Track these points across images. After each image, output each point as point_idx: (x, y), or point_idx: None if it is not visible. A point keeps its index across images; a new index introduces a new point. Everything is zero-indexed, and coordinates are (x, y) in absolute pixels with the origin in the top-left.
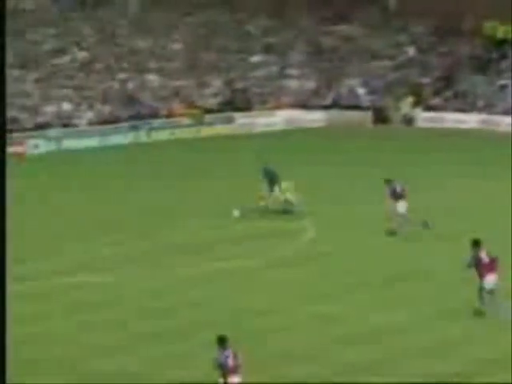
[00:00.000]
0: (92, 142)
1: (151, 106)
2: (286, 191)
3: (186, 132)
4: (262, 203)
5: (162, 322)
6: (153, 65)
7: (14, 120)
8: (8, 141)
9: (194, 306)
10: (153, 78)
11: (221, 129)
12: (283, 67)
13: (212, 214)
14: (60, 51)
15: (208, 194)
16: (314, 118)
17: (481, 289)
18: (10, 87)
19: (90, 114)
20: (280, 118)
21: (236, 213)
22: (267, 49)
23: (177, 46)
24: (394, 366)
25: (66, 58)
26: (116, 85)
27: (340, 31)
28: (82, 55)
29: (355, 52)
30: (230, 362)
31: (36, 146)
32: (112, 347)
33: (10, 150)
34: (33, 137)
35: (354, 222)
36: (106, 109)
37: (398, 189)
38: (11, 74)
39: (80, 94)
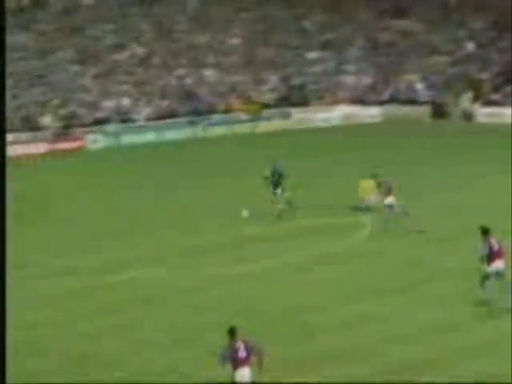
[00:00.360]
0: (150, 137)
1: (208, 102)
2: (364, 190)
3: (243, 127)
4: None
5: (214, 318)
6: (210, 60)
7: (73, 115)
8: (67, 136)
9: (245, 302)
10: (210, 74)
11: (278, 124)
12: (340, 63)
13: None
14: (119, 47)
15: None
16: (371, 113)
17: (485, 276)
18: (70, 83)
19: (148, 109)
20: (337, 114)
21: (245, 213)
22: (324, 44)
23: (234, 41)
24: (445, 366)
25: (124, 54)
26: (174, 80)
27: (398, 26)
28: (141, 51)
29: (414, 47)
30: (241, 353)
31: (94, 141)
32: (164, 343)
33: (68, 145)
34: (91, 132)
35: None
36: (164, 104)
37: (387, 185)
38: (71, 69)
39: (138, 89)
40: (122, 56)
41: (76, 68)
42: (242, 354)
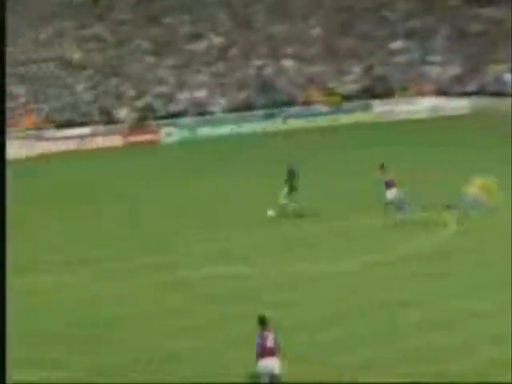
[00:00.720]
0: (226, 129)
1: (287, 93)
2: (476, 187)
3: (323, 120)
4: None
5: (303, 316)
6: (290, 50)
7: (149, 108)
8: (142, 129)
9: (337, 298)
10: (289, 64)
11: (359, 116)
12: (425, 53)
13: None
14: (196, 37)
15: (351, 187)
16: (458, 105)
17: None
18: (145, 74)
19: (224, 101)
20: (422, 106)
21: (271, 212)
22: (408, 34)
23: (315, 32)
24: None
25: (201, 44)
26: (252, 71)
27: (487, 14)
28: (218, 41)
29: (503, 36)
30: (269, 343)
31: (169, 134)
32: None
33: (143, 137)
34: (167, 125)
35: (498, 219)
36: (241, 96)
37: (390, 177)
38: (146, 60)
39: (215, 80)
40: (198, 46)
41: (151, 59)
42: (270, 343)
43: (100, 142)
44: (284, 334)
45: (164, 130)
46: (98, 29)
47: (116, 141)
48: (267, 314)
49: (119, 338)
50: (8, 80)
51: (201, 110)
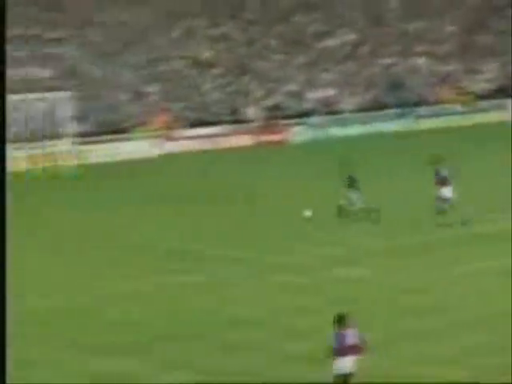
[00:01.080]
0: (356, 129)
1: (419, 92)
2: None
3: (456, 119)
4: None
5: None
6: (422, 48)
7: (278, 107)
8: (271, 128)
9: (454, 306)
10: (421, 62)
11: (494, 116)
12: None
13: None
14: (326, 35)
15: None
16: None
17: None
18: (274, 73)
19: (354, 100)
20: None
21: (308, 213)
22: None
23: (450, 29)
24: None
25: (331, 42)
26: (382, 69)
27: None
28: (349, 39)
29: None
30: (349, 341)
31: (299, 134)
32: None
33: (272, 137)
34: (296, 124)
35: None
36: (371, 95)
37: (444, 174)
38: (275, 59)
39: (344, 79)
40: (328, 44)
41: (281, 57)
42: (350, 341)
43: (229, 141)
44: (431, 338)
45: (293, 130)
46: (228, 28)
47: (245, 140)
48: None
49: (257, 339)
50: (140, 79)
51: (330, 109)
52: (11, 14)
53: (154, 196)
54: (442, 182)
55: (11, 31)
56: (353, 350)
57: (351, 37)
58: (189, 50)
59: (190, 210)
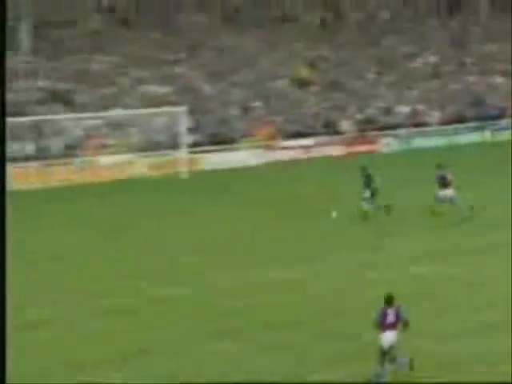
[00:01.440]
0: (439, 141)
1: (497, 107)
2: None
3: None
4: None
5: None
6: (500, 67)
7: (369, 120)
8: (363, 139)
9: (495, 305)
10: (499, 81)
11: None
12: None
13: None
14: (412, 56)
15: None
16: None
17: None
18: (367, 90)
19: (437, 114)
20: None
21: (334, 214)
22: None
23: None
24: None
25: (417, 62)
26: (463, 87)
27: None
28: (433, 59)
29: None
30: (391, 318)
31: (387, 145)
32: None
33: (363, 148)
34: (386, 135)
35: None
36: (453, 109)
37: (449, 177)
38: (368, 77)
39: (429, 95)
40: (414, 64)
41: (372, 76)
42: (391, 319)
43: (322, 151)
44: (488, 334)
45: (383, 141)
46: (324, 50)
47: (338, 150)
48: None
49: (349, 332)
50: (247, 96)
51: (416, 123)
52: (135, 36)
53: (256, 199)
54: (445, 184)
55: (134, 53)
56: (392, 325)
57: (435, 57)
58: (290, 70)
59: (290, 210)
